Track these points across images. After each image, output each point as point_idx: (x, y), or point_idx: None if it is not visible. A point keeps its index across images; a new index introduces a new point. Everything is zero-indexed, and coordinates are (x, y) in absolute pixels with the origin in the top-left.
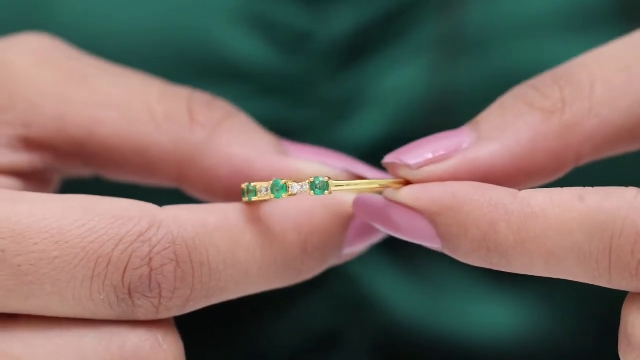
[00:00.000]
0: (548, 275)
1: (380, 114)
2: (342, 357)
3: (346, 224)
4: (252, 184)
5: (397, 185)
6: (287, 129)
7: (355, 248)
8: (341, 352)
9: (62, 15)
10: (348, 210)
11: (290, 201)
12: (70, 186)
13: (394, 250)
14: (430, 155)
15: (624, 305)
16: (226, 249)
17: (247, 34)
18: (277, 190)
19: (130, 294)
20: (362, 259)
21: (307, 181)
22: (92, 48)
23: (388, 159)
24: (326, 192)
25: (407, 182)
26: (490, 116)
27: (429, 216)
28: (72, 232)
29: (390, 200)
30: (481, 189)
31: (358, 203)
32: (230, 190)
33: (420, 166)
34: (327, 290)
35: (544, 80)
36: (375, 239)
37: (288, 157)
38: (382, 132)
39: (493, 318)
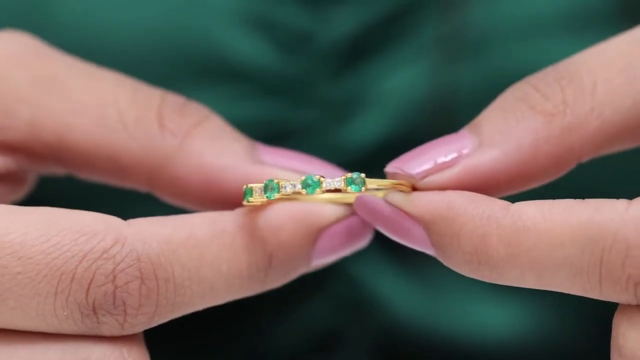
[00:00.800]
0: (539, 288)
1: (381, 115)
2: (342, 358)
3: (315, 237)
4: (275, 180)
5: (407, 189)
6: (287, 130)
7: (325, 260)
8: (341, 353)
9: (62, 15)
10: (318, 223)
11: (259, 214)
12: (49, 183)
13: (394, 250)
14: (432, 164)
15: (614, 317)
16: (191, 265)
17: (248, 35)
18: (310, 186)
19: (94, 311)
20: (362, 259)
21: (343, 177)
22: (92, 48)
23: (390, 168)
24: (363, 188)
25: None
26: (491, 118)
27: (424, 224)
28: (35, 248)
29: (390, 204)
30: (475, 200)
31: (359, 202)
32: (202, 198)
33: (422, 176)
34: (328, 290)
35: (545, 78)
36: (346, 252)
37: (262, 165)
38: (383, 134)
39: (493, 318)
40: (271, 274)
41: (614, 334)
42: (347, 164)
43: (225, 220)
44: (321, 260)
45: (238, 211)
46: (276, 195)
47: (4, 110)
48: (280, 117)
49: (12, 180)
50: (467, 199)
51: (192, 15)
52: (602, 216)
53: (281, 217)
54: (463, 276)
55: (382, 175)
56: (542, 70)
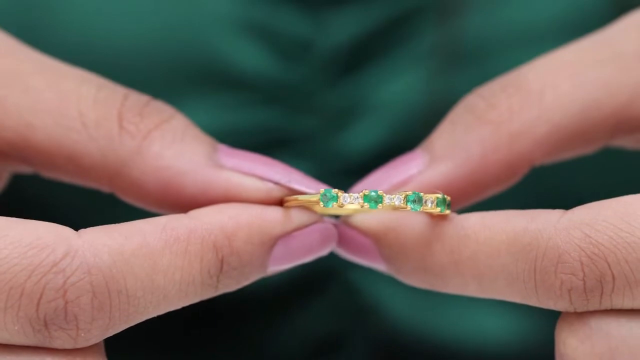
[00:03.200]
0: (482, 296)
1: (378, 122)
2: None
3: (271, 245)
4: (380, 192)
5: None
6: (286, 137)
7: (283, 266)
8: (341, 358)
9: (65, 24)
10: (275, 232)
11: (213, 218)
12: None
13: None
14: (387, 186)
15: (557, 324)
16: (144, 275)
17: (248, 43)
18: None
19: (46, 325)
20: (362, 266)
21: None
22: (94, 57)
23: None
24: (380, 205)
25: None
26: (441, 133)
27: (373, 237)
28: None
29: (343, 222)
30: (420, 212)
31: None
32: (161, 201)
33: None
34: (328, 296)
35: (493, 88)
36: (307, 259)
37: (221, 170)
38: (380, 141)
39: (492, 324)
40: (223, 280)
41: (556, 341)
42: (346, 170)
43: (177, 226)
44: (279, 267)
45: (191, 214)
46: (379, 206)
47: None
48: (279, 125)
49: None
50: (412, 211)
51: (192, 24)
52: (536, 225)
53: (235, 223)
54: None
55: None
56: (491, 81)
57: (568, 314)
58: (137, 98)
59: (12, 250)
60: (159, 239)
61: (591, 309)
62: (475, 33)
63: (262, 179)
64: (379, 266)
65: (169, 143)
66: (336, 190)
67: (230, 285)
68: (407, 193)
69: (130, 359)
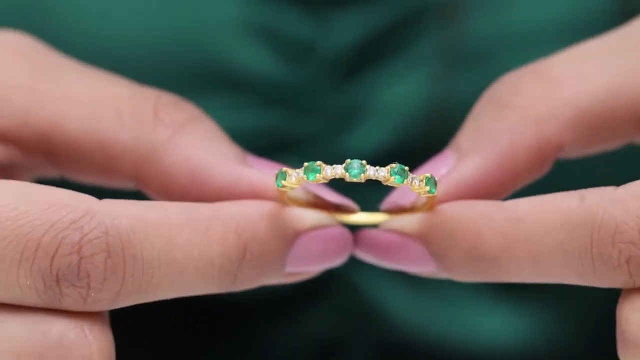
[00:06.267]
0: (538, 280)
1: (382, 125)
2: None
3: (291, 241)
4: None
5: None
6: (289, 140)
7: (300, 268)
8: None
9: (68, 25)
10: (296, 226)
11: (236, 207)
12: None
13: None
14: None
15: (618, 302)
16: (162, 246)
17: (252, 45)
18: (352, 170)
19: (58, 281)
20: (365, 268)
21: (388, 167)
22: (99, 59)
23: (385, 206)
24: (405, 181)
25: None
26: (466, 130)
27: (419, 237)
28: (3, 215)
29: (383, 230)
30: (466, 203)
31: (360, 238)
32: (186, 193)
33: (413, 203)
34: (331, 299)
35: (514, 75)
36: (324, 263)
37: (250, 167)
38: (384, 143)
39: (496, 327)
40: (244, 269)
41: (617, 319)
42: None
43: (200, 208)
44: (296, 267)
45: (216, 203)
46: (317, 176)
47: None
48: (282, 127)
49: (3, 175)
50: (457, 203)
51: (195, 26)
52: (591, 200)
53: (259, 213)
54: (464, 285)
55: (381, 185)
56: (514, 70)
57: (630, 290)
58: (169, 96)
59: (33, 207)
60: (181, 215)
61: None
62: (478, 35)
63: None
64: (429, 267)
65: (200, 136)
66: (285, 168)
67: (250, 278)
68: (392, 165)
69: (131, 358)
